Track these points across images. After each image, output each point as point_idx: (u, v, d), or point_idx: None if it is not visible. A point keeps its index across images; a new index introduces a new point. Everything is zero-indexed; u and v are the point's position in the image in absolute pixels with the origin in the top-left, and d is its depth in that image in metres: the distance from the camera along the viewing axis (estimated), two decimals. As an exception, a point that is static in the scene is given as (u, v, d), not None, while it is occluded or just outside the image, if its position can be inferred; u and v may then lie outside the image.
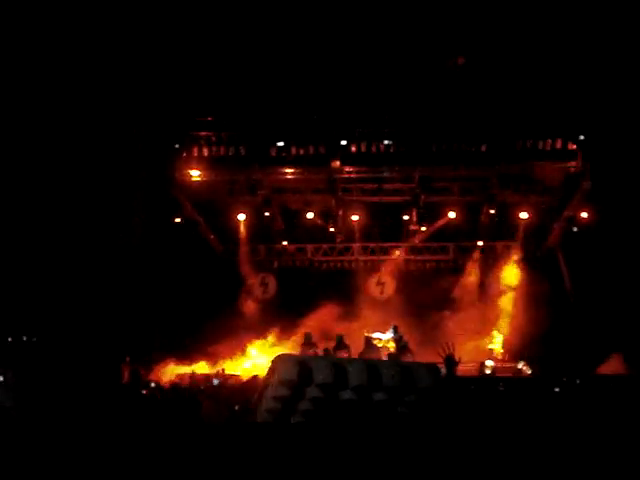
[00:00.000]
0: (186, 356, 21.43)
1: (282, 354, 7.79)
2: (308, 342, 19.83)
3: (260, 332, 23.51)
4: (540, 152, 20.79)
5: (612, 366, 18.70)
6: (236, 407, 10.85)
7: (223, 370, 20.12)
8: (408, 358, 18.14)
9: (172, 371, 20.62)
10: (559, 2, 17.67)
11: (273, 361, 7.35)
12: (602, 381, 16.75)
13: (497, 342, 21.91)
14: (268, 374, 7.32)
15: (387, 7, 17.77)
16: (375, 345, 19.76)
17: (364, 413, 6.74)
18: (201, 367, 21.05)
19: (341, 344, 19.25)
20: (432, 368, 7.57)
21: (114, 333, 19.65)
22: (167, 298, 21.85)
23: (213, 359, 21.90)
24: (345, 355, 15.75)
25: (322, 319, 23.18)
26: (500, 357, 21.79)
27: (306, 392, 7.07)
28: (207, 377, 19.31)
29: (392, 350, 19.80)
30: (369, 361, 7.98)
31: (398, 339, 20.24)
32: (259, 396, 7.42)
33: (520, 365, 20.89)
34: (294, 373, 7.01)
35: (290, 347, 22.78)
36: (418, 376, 7.29)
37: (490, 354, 21.73)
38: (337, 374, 7.01)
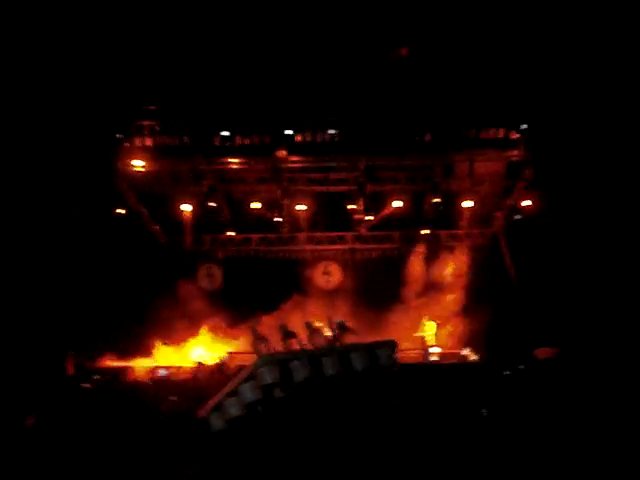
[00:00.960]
0: (129, 348, 21.17)
1: (264, 357, 7.66)
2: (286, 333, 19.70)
3: (206, 323, 23.37)
4: (483, 141, 21.01)
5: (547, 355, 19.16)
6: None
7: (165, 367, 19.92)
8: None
9: (114, 363, 20.38)
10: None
11: (254, 364, 7.21)
12: (542, 365, 17.09)
13: (429, 330, 22.05)
14: (238, 377, 7.20)
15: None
16: (319, 329, 19.71)
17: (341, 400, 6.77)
18: (143, 361, 20.82)
19: (288, 333, 19.17)
20: (390, 344, 7.66)
21: (57, 326, 19.32)
22: (110, 291, 21.53)
23: (157, 350, 21.72)
24: (295, 344, 15.71)
25: (270, 310, 23.18)
26: (430, 344, 21.93)
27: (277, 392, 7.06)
28: (153, 369, 19.14)
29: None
30: (338, 348, 8.13)
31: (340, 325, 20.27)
32: (218, 401, 7.30)
33: (465, 352, 21.17)
34: (276, 377, 6.94)
35: (236, 338, 22.76)
36: (380, 354, 7.38)
37: (425, 342, 21.88)
38: (313, 368, 7.00)
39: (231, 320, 23.42)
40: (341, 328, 18.84)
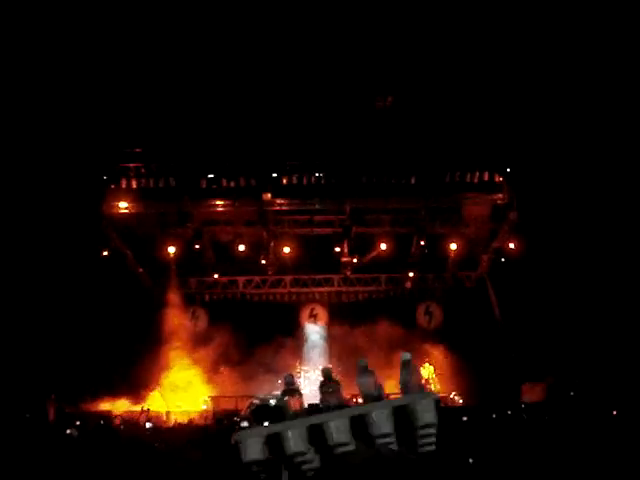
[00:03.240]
0: (112, 392, 20.89)
1: (245, 431, 7.11)
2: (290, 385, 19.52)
3: (191, 366, 23.12)
4: (468, 185, 21.15)
5: (534, 392, 19.03)
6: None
7: (148, 410, 19.61)
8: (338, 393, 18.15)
9: (97, 407, 20.09)
10: (483, 42, 18.15)
11: (236, 438, 6.82)
12: (529, 409, 17.00)
13: (430, 373, 21.99)
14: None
15: (319, 46, 17.97)
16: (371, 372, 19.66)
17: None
18: (124, 404, 20.53)
19: (291, 388, 19.12)
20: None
21: (38, 369, 19.07)
22: (93, 333, 21.27)
23: (140, 394, 21.42)
24: (297, 404, 15.46)
25: (255, 352, 22.99)
26: (433, 386, 21.84)
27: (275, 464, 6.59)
28: (137, 417, 18.81)
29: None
30: (350, 410, 7.25)
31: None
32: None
33: (452, 395, 21.05)
34: (262, 452, 6.42)
35: (220, 381, 22.52)
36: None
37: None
38: (312, 437, 6.50)
39: (216, 362, 23.15)
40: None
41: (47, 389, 18.87)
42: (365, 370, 9.77)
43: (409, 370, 9.40)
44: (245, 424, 15.78)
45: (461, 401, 20.53)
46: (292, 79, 18.79)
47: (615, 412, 14.64)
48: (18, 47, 17.38)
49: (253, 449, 6.85)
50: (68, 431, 14.94)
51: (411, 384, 8.80)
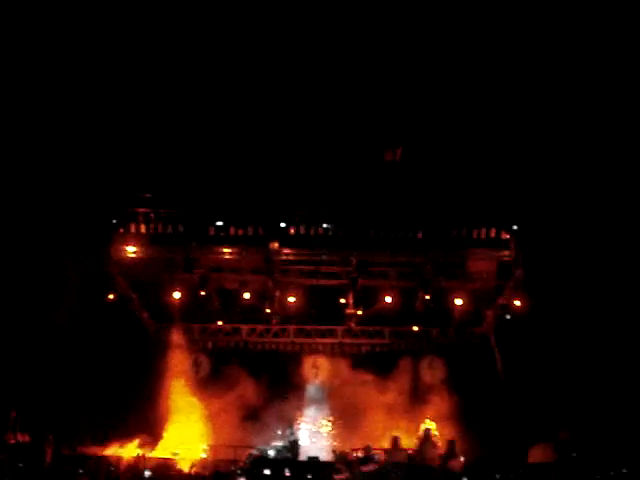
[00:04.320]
0: (111, 436, 20.68)
1: None
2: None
3: (191, 413, 22.93)
4: (474, 240, 21.22)
5: (541, 452, 18.76)
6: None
7: (144, 457, 19.39)
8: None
9: (96, 451, 19.88)
10: (491, 99, 18.44)
11: None
12: (535, 470, 16.80)
13: (431, 429, 21.73)
14: None
15: (331, 97, 18.26)
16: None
17: None
18: (123, 449, 20.32)
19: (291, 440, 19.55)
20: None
21: (37, 411, 18.99)
22: (94, 376, 21.19)
23: (139, 440, 21.20)
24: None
25: (256, 402, 22.82)
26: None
27: None
28: (135, 464, 18.59)
29: None
30: None
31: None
32: None
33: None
34: None
35: (220, 430, 22.32)
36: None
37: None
38: None
39: (216, 410, 22.96)
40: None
41: (45, 430, 18.75)
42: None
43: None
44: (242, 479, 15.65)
45: (462, 459, 20.22)
46: (302, 131, 19.06)
47: (625, 470, 14.48)
48: (30, 90, 17.70)
49: None
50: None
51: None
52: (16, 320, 19.35)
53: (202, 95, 18.75)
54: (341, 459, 20.04)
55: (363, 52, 18.38)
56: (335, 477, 9.41)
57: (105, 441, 20.45)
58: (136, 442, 20.68)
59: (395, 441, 19.50)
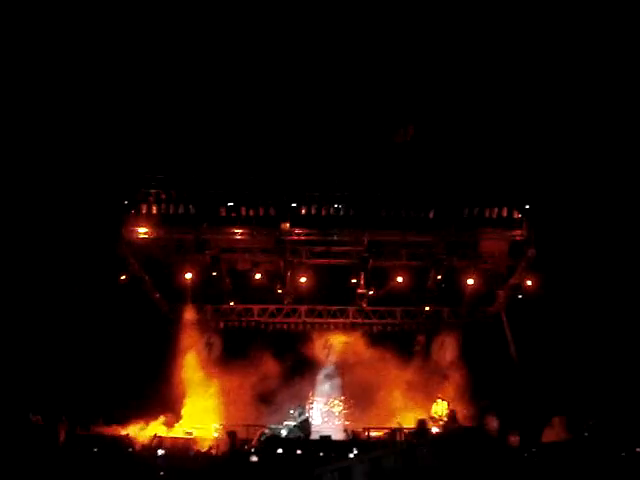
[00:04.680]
0: (124, 416, 20.86)
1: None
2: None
3: (203, 393, 23.10)
4: (486, 220, 21.13)
5: (555, 431, 18.76)
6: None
7: (160, 437, 19.53)
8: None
9: (109, 431, 20.05)
10: (501, 75, 18.27)
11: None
12: (550, 449, 16.77)
13: (443, 408, 21.82)
14: None
15: (340, 74, 18.16)
16: None
17: None
18: (137, 429, 20.49)
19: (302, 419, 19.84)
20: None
21: (51, 391, 19.14)
22: (108, 356, 21.34)
23: (152, 420, 21.38)
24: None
25: (267, 382, 22.96)
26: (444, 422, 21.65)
27: None
28: (149, 443, 18.73)
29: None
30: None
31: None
32: None
33: (465, 431, 20.81)
34: None
35: (232, 409, 22.47)
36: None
37: (436, 421, 21.62)
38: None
39: (228, 390, 23.13)
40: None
41: (59, 411, 18.91)
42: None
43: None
44: (255, 459, 15.75)
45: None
46: (314, 111, 18.95)
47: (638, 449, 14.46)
48: (41, 75, 17.69)
49: None
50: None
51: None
52: (29, 301, 19.44)
53: (213, 76, 18.64)
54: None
55: (374, 31, 18.21)
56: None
57: (119, 421, 20.63)
58: (150, 422, 20.89)
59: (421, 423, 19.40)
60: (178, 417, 22.20)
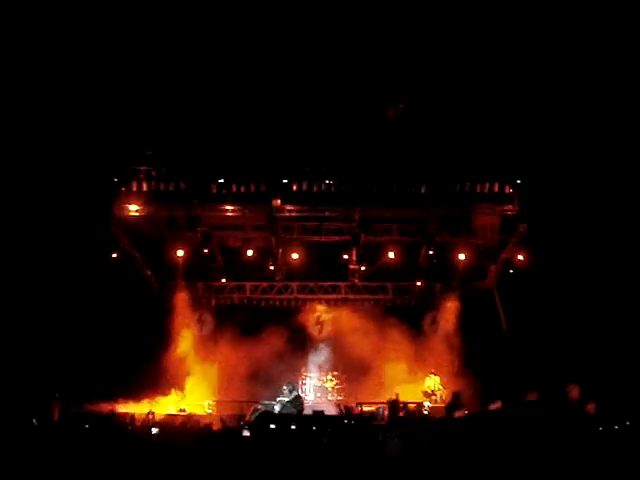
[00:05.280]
0: (117, 393, 20.87)
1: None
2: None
3: (196, 370, 23.15)
4: (478, 195, 21.11)
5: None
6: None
7: (153, 413, 19.55)
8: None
9: (102, 408, 20.06)
10: (493, 49, 18.17)
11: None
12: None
13: (435, 383, 21.98)
14: None
15: (331, 52, 18.02)
16: None
17: None
18: (130, 406, 20.51)
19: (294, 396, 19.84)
20: None
21: (44, 369, 19.12)
22: (100, 334, 21.32)
23: (145, 397, 21.42)
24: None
25: (260, 358, 22.99)
26: (439, 397, 21.80)
27: None
28: (142, 420, 18.74)
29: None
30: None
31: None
32: None
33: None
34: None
35: (225, 386, 22.52)
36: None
37: (429, 395, 21.77)
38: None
39: (221, 366, 23.18)
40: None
41: (52, 389, 18.90)
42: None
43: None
44: (247, 433, 15.76)
45: (466, 412, 20.39)
46: (305, 87, 18.82)
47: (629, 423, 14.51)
48: (28, 46, 17.46)
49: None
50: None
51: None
52: (21, 280, 19.37)
53: (202, 52, 18.46)
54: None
55: (365, 7, 18.05)
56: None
57: (112, 399, 20.62)
58: (143, 399, 20.93)
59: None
60: (171, 394, 22.21)
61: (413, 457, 6.78)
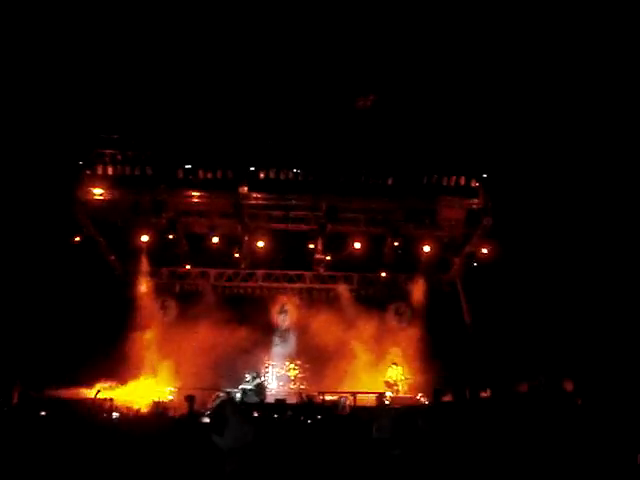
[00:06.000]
0: (78, 379, 20.68)
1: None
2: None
3: (158, 356, 23.03)
4: (444, 188, 21.27)
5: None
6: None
7: (112, 399, 19.41)
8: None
9: (62, 394, 19.88)
10: (461, 41, 18.24)
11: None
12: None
13: (397, 373, 22.16)
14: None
15: (303, 40, 17.95)
16: None
17: None
18: (90, 392, 20.35)
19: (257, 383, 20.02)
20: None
21: (5, 354, 18.88)
22: (62, 319, 21.09)
23: (106, 382, 21.24)
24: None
25: (223, 346, 22.93)
26: (400, 387, 21.99)
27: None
28: (101, 406, 18.60)
29: None
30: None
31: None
32: None
33: (419, 396, 21.18)
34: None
35: (187, 373, 22.45)
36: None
37: (391, 385, 21.94)
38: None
39: (183, 353, 23.08)
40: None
41: (12, 374, 18.69)
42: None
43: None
44: (207, 420, 15.73)
45: (427, 402, 20.65)
46: (274, 76, 18.74)
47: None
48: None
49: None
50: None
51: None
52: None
53: (173, 37, 18.25)
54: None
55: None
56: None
57: (72, 384, 20.44)
58: (104, 385, 20.74)
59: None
60: (132, 380, 22.07)
61: (406, 437, 6.80)
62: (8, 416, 16.26)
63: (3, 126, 18.20)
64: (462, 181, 21.27)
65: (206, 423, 14.49)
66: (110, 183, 21.10)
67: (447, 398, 17.69)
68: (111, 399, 19.35)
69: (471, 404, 16.03)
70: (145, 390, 21.68)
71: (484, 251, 22.41)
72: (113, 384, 21.08)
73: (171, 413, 18.55)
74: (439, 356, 22.23)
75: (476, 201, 21.52)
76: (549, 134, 19.28)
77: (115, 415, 17.28)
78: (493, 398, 16.51)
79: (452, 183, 21.26)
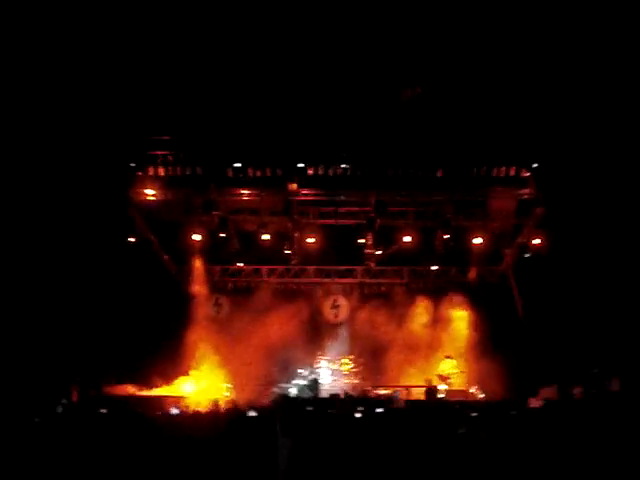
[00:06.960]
0: (136, 377, 21.11)
1: None
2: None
3: (213, 354, 23.32)
4: (494, 179, 21.07)
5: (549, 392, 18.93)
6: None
7: (172, 397, 19.76)
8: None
9: (121, 391, 20.32)
10: (510, 33, 18.06)
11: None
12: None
13: (451, 367, 22.07)
14: None
15: (347, 34, 17.97)
16: None
17: None
18: (149, 390, 20.76)
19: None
20: None
21: (64, 353, 19.37)
22: (118, 318, 21.52)
23: (164, 380, 21.65)
24: None
25: (276, 342, 23.13)
26: (454, 381, 21.89)
27: None
28: (161, 403, 18.96)
29: None
30: None
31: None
32: None
33: (472, 389, 21.06)
34: None
35: (242, 370, 22.70)
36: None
37: (444, 379, 21.85)
38: None
39: (237, 350, 23.34)
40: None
41: (72, 373, 19.18)
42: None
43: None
44: (253, 413, 15.95)
45: (482, 396, 20.54)
46: (321, 72, 18.81)
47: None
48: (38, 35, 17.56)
49: None
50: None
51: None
52: (41, 265, 19.58)
53: (218, 36, 18.46)
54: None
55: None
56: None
57: (130, 382, 20.89)
58: (161, 382, 21.16)
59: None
60: (187, 377, 22.43)
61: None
62: (69, 414, 16.71)
63: (59, 132, 18.65)
64: (512, 171, 21.01)
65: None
66: (162, 184, 21.45)
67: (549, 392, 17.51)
68: (171, 396, 19.75)
69: (598, 400, 15.94)
70: (201, 387, 22.00)
71: (536, 242, 22.11)
72: (169, 382, 21.47)
73: (227, 409, 18.80)
74: (494, 349, 22.07)
75: (527, 191, 21.27)
76: (601, 122, 18.99)
77: (174, 411, 17.60)
78: (586, 396, 16.41)
79: (502, 174, 21.02)
